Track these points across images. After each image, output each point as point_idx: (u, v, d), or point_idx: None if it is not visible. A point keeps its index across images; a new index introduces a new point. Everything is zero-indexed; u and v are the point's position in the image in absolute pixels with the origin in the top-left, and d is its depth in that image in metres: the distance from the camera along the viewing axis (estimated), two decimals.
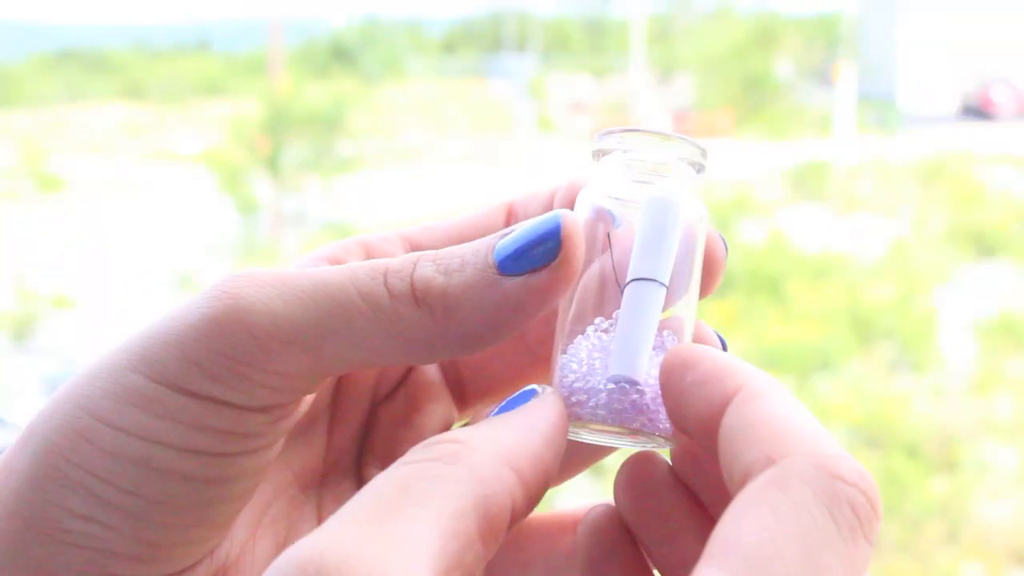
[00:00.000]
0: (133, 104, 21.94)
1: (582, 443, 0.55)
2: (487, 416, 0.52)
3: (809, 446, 0.48)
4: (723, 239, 0.58)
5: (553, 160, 17.70)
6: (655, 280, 0.53)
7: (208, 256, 13.70)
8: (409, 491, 0.45)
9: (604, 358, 0.53)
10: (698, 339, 0.56)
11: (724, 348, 0.56)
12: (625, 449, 0.56)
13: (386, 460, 0.60)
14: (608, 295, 0.54)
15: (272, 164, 14.09)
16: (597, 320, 0.54)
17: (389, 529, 0.43)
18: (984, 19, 22.07)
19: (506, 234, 0.54)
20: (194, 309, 0.52)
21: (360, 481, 0.61)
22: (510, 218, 0.63)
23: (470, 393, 0.63)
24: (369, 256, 0.62)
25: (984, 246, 12.77)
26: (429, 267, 0.53)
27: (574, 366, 0.53)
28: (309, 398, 0.57)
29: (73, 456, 0.51)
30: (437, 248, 0.59)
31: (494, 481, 0.46)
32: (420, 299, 0.52)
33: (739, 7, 23.20)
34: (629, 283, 0.53)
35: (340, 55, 21.15)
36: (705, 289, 0.57)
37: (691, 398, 0.51)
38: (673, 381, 0.52)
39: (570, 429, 0.53)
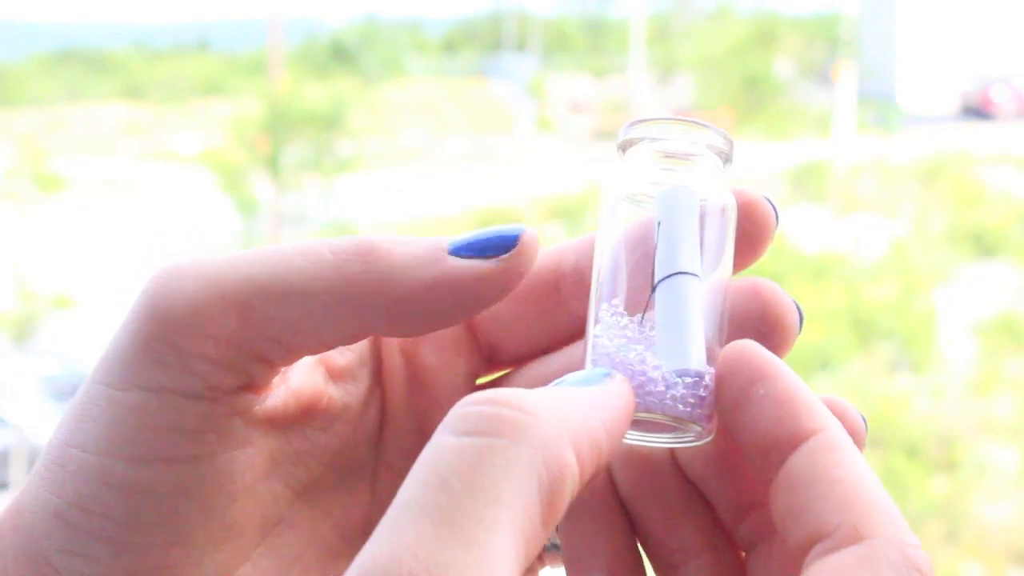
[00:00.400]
0: (133, 104, 21.95)
1: None
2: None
3: (896, 531, 0.48)
4: (773, 205, 0.55)
5: (553, 160, 17.70)
6: (687, 273, 0.51)
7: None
8: (479, 486, 0.42)
9: (636, 347, 0.51)
10: (775, 305, 0.54)
11: (801, 318, 0.55)
12: None
13: None
14: (625, 283, 0.53)
15: (272, 164, 14.09)
16: (614, 302, 0.53)
17: (468, 537, 0.41)
18: (984, 19, 22.07)
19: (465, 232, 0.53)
20: (134, 298, 0.52)
21: None
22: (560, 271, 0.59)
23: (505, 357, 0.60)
24: None
25: (984, 246, 12.77)
26: (379, 236, 0.52)
27: (613, 350, 0.52)
28: (276, 402, 0.54)
29: (52, 486, 0.51)
30: None
31: (560, 466, 0.43)
32: (361, 255, 0.51)
33: (739, 7, 23.21)
34: (663, 280, 0.52)
35: (340, 55, 21.15)
36: (747, 258, 0.55)
37: (757, 414, 0.50)
38: (740, 385, 0.50)
39: None
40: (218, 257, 0.51)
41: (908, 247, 12.67)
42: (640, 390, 0.50)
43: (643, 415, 0.51)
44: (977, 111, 21.25)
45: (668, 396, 0.51)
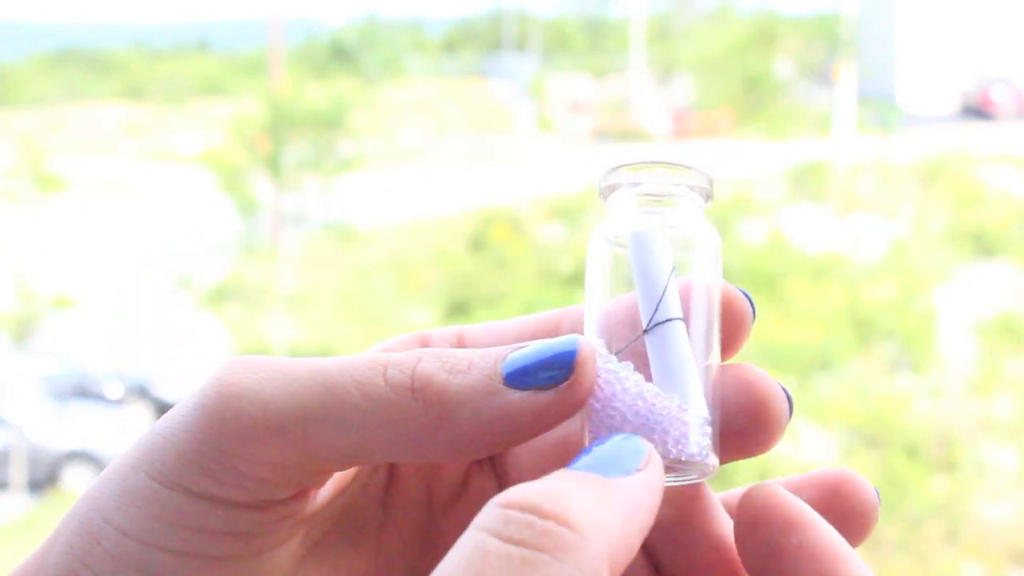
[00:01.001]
0: (133, 104, 21.95)
1: None
2: (578, 464, 0.49)
3: None
4: (746, 295, 0.55)
5: (553, 160, 17.71)
6: (669, 319, 0.51)
7: (208, 256, 13.71)
8: None
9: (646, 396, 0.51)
10: (761, 392, 0.54)
11: (790, 405, 0.54)
12: None
13: None
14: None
15: (272, 164, 14.09)
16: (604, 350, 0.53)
17: None
18: (984, 19, 22.08)
19: (520, 347, 0.52)
20: (191, 400, 0.51)
21: None
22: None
23: None
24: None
25: (984, 246, 12.77)
26: (434, 363, 0.51)
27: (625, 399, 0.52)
28: (323, 496, 0.55)
29: (87, 559, 0.51)
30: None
31: None
32: (417, 392, 0.50)
33: (739, 7, 23.22)
34: (647, 332, 0.51)
35: (340, 55, 21.16)
36: (729, 349, 0.54)
37: (794, 566, 0.50)
38: (771, 535, 0.51)
39: None
40: (278, 374, 0.51)
41: (908, 247, 12.67)
42: (658, 437, 0.51)
43: (670, 461, 0.51)
44: (977, 111, 21.25)
45: (684, 436, 0.51)
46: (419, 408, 0.50)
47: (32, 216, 15.24)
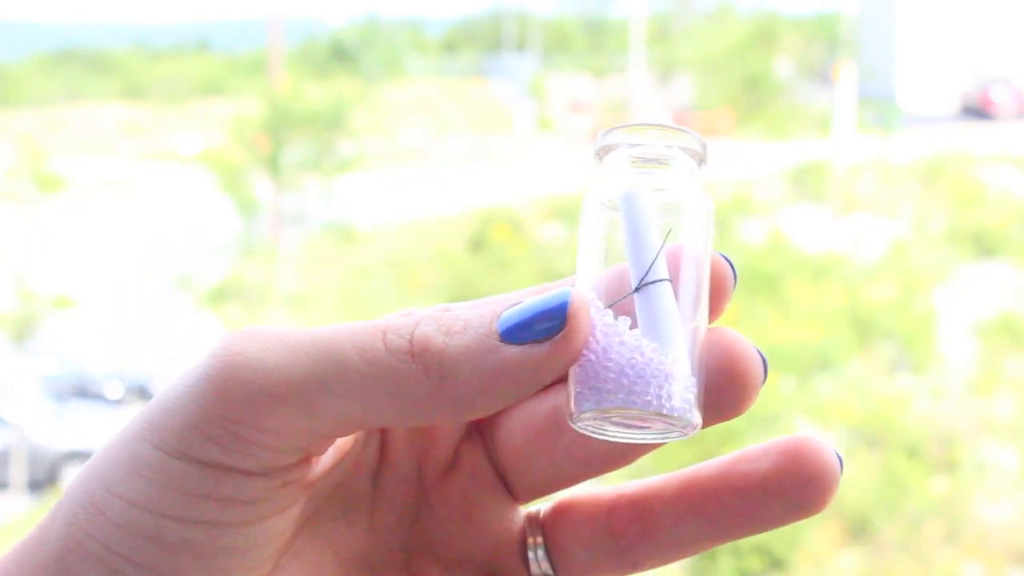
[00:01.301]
0: (133, 104, 21.95)
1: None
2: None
3: None
4: (728, 260, 0.56)
5: (553, 160, 17.71)
6: (656, 280, 0.52)
7: (208, 256, 13.71)
8: None
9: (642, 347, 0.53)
10: (737, 352, 0.55)
11: (765, 366, 0.55)
12: None
13: (442, 557, 0.59)
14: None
15: (272, 164, 14.09)
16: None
17: None
18: (984, 19, 22.07)
19: (514, 304, 0.53)
20: (195, 370, 0.52)
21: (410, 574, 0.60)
22: None
23: (519, 491, 0.60)
24: None
25: (984, 246, 12.77)
26: (431, 326, 0.53)
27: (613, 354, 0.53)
28: (324, 463, 0.56)
29: (91, 529, 0.52)
30: None
31: None
32: (417, 356, 0.52)
33: (739, 7, 23.21)
34: (635, 292, 0.53)
35: (340, 55, 21.16)
36: (712, 313, 0.55)
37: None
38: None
39: (594, 426, 0.53)
40: (281, 343, 0.52)
41: (908, 247, 12.67)
42: (645, 390, 0.52)
43: (651, 414, 0.52)
44: (977, 111, 21.25)
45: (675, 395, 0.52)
46: (419, 371, 0.52)
47: (32, 216, 15.24)
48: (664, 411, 0.52)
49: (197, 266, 13.29)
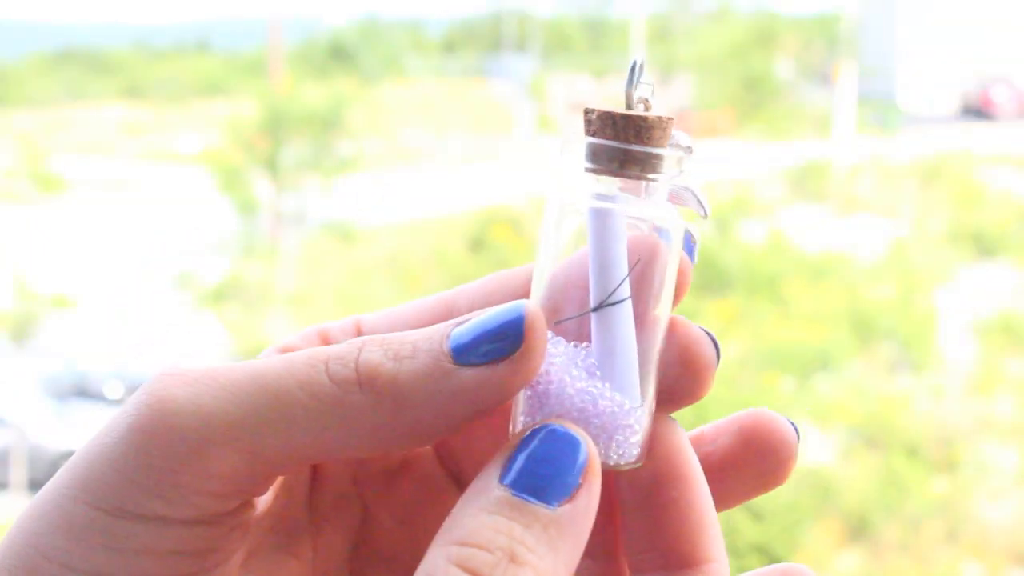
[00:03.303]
0: (133, 104, 21.95)
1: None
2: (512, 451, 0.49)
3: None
4: (690, 251, 0.53)
5: (553, 160, 17.69)
6: (618, 301, 0.50)
7: (208, 256, 13.70)
8: None
9: (588, 388, 0.50)
10: (687, 339, 0.53)
11: (717, 349, 0.53)
12: None
13: (393, 566, 0.56)
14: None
15: (271, 164, 14.09)
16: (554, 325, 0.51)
17: None
18: (983, 19, 22.07)
19: (462, 322, 0.50)
20: (122, 420, 0.49)
21: None
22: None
23: (471, 476, 0.55)
24: (327, 344, 0.56)
25: (984, 246, 12.77)
26: (376, 352, 0.49)
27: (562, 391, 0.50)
28: (264, 501, 0.53)
29: None
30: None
31: None
32: (365, 385, 0.48)
33: (739, 7, 23.21)
34: (595, 310, 0.50)
35: (339, 55, 21.16)
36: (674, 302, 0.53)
37: (661, 515, 0.52)
38: (656, 478, 0.52)
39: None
40: (215, 384, 0.49)
41: (908, 247, 12.67)
42: (603, 443, 0.50)
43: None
44: (977, 111, 21.26)
45: (613, 436, 0.51)
46: (370, 401, 0.48)
47: (32, 216, 15.24)
48: (611, 463, 0.50)
49: (197, 266, 13.28)
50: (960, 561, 7.39)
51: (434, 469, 0.57)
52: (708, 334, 0.53)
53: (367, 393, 0.48)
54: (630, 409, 0.50)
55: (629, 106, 0.52)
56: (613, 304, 0.50)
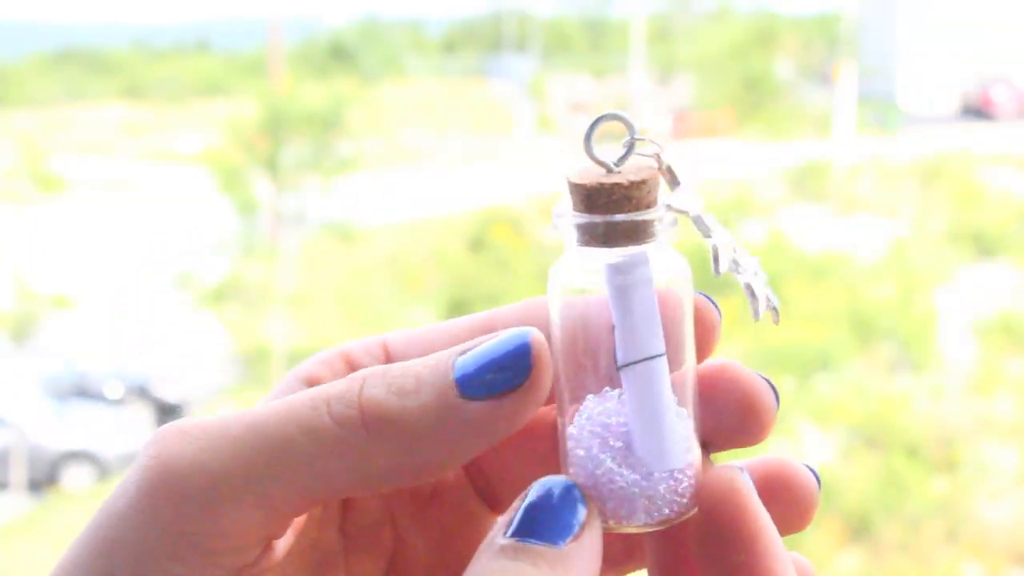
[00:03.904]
0: (133, 104, 21.95)
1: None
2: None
3: None
4: (712, 301, 0.53)
5: (553, 160, 17.70)
6: (651, 356, 0.48)
7: (208, 256, 13.70)
8: None
9: (608, 445, 0.49)
10: (747, 386, 0.52)
11: (776, 395, 0.53)
12: None
13: None
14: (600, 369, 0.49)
15: (271, 164, 14.08)
16: (590, 398, 0.49)
17: None
18: (983, 19, 22.07)
19: (466, 350, 0.48)
20: (130, 486, 0.48)
21: None
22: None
23: (505, 498, 0.55)
24: (352, 368, 0.54)
25: (984, 246, 12.77)
26: (379, 388, 0.48)
27: (586, 457, 0.49)
28: (288, 538, 0.52)
29: None
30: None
31: None
32: (370, 425, 0.47)
33: (739, 7, 23.21)
34: (626, 367, 0.48)
35: (339, 55, 21.15)
36: (702, 353, 0.52)
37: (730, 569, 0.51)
38: (718, 537, 0.51)
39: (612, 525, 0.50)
40: (217, 439, 0.48)
41: (908, 247, 12.67)
42: (622, 504, 0.49)
43: (631, 529, 0.50)
44: (977, 111, 21.25)
45: (653, 502, 0.50)
46: (375, 441, 0.47)
47: (32, 216, 15.23)
48: (654, 521, 0.50)
49: (197, 266, 13.28)
50: (960, 561, 7.39)
51: (467, 494, 0.56)
52: (767, 381, 0.52)
53: (372, 433, 0.47)
54: (659, 477, 0.49)
55: (605, 166, 0.51)
56: (644, 361, 0.49)
